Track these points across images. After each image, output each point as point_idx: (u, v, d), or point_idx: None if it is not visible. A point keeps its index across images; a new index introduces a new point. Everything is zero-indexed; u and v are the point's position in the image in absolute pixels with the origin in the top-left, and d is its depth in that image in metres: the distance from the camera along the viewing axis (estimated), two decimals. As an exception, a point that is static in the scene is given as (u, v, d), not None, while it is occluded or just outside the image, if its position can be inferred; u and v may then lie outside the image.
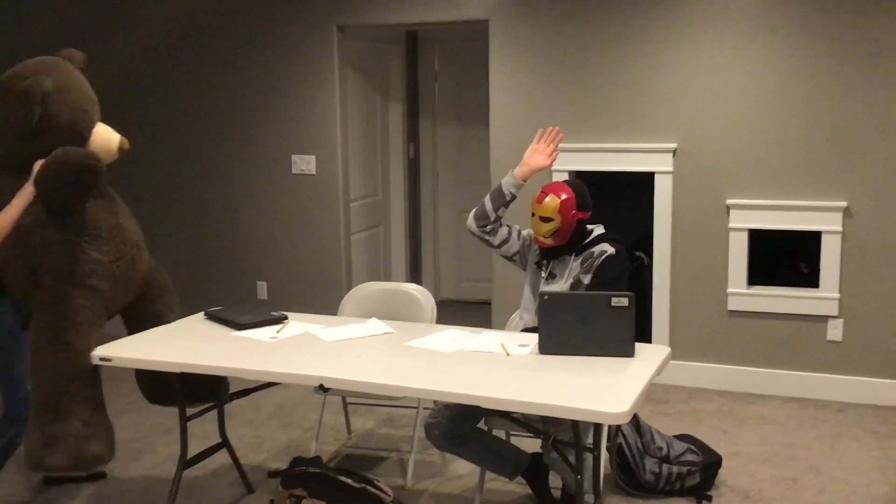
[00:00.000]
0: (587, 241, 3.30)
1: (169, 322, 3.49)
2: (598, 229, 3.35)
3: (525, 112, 5.02)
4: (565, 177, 4.93)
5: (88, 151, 3.17)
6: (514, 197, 3.35)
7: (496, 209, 3.34)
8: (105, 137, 3.30)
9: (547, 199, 3.23)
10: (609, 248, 3.25)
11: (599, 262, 3.23)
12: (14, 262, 3.13)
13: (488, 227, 3.37)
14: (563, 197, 3.21)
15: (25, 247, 3.10)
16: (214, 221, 5.90)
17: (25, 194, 3.06)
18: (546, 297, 2.95)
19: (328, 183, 5.56)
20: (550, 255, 3.34)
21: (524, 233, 3.46)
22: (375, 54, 6.07)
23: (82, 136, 3.23)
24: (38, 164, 3.07)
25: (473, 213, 3.40)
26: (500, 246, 3.42)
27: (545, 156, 3.36)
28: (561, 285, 3.28)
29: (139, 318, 3.49)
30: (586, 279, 3.24)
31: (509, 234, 3.41)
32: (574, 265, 3.29)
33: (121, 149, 3.32)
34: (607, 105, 4.88)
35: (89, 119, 3.29)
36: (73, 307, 3.13)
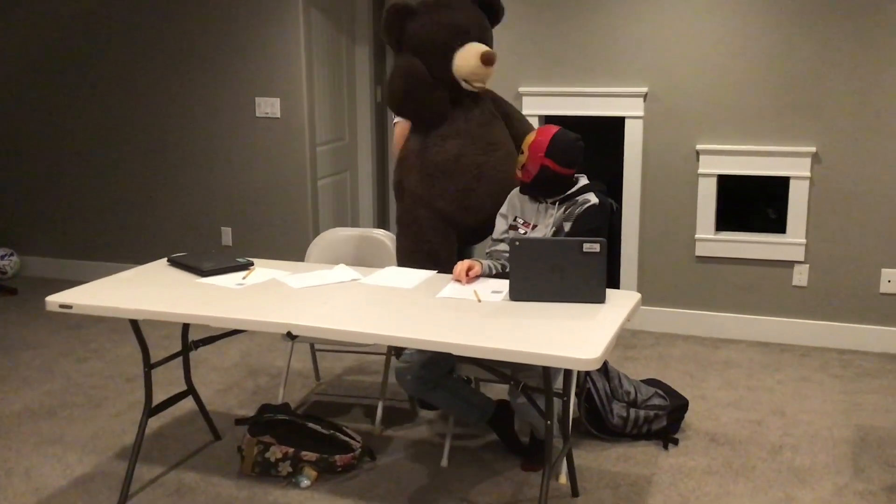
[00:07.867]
0: (572, 191, 3.26)
1: None
2: (583, 179, 3.29)
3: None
4: (536, 121, 4.88)
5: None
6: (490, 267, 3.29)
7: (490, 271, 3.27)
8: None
9: (532, 133, 3.25)
10: (593, 199, 3.20)
11: (581, 209, 3.19)
12: None
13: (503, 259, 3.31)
14: (538, 137, 3.19)
15: None
16: (177, 166, 5.77)
17: None
18: (517, 243, 2.91)
19: (293, 127, 5.44)
20: (531, 191, 3.28)
21: (503, 214, 3.39)
22: (341, -6, 5.91)
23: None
24: None
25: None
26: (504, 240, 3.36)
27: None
28: (543, 233, 3.25)
29: None
30: (567, 226, 3.20)
31: (502, 232, 3.35)
32: (557, 214, 3.25)
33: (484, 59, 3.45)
34: (578, 49, 4.81)
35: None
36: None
